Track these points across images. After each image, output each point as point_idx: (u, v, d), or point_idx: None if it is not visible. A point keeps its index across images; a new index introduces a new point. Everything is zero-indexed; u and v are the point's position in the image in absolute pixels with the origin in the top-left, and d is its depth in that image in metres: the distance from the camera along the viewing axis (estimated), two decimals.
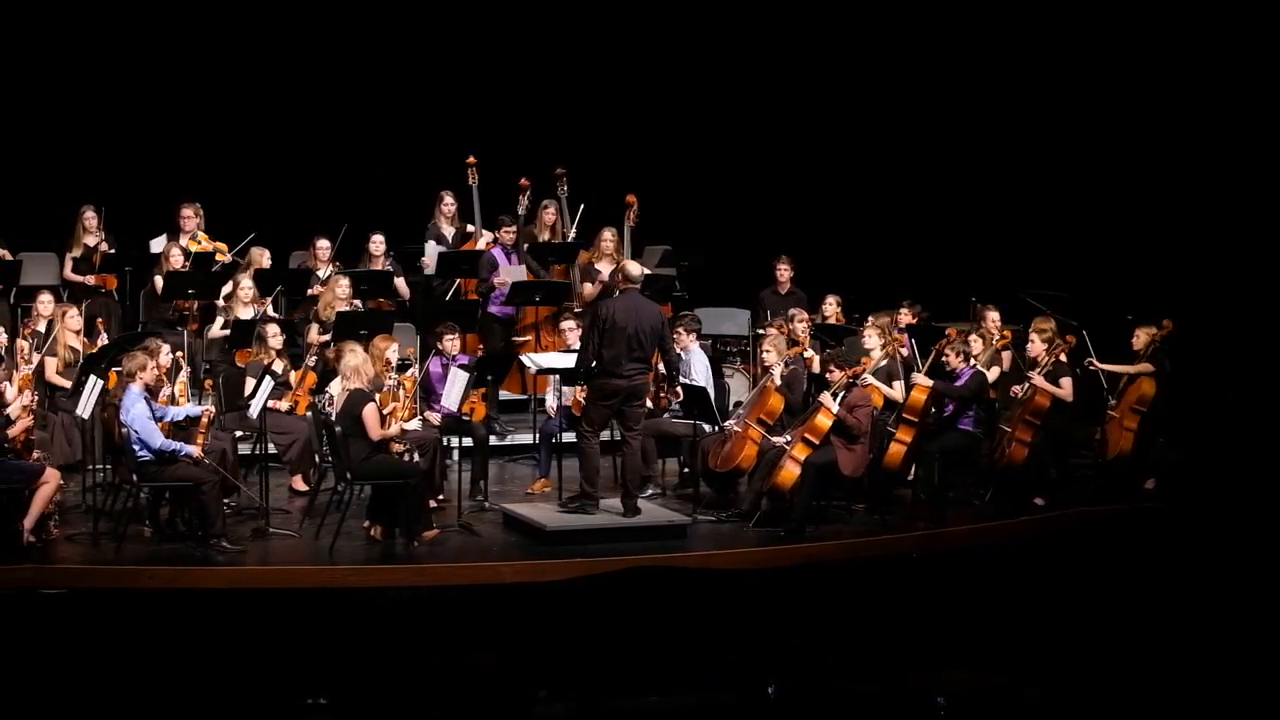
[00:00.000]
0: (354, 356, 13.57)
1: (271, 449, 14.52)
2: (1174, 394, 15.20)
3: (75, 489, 14.18)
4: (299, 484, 14.88)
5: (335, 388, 13.85)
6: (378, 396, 13.42)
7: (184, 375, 14.11)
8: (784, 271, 16.98)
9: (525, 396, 16.34)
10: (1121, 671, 11.95)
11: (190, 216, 16.79)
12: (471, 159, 17.10)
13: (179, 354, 14.40)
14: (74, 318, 14.96)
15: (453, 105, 18.87)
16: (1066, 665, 12.07)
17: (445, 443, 14.70)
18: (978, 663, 12.19)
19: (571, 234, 17.20)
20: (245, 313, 15.56)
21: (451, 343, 14.79)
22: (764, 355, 14.49)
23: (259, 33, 18.62)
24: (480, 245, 16.86)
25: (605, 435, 14.17)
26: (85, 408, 13.40)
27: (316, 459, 14.52)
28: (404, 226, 17.18)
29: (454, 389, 13.96)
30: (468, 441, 14.84)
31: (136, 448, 13.04)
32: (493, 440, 15.26)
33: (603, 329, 13.52)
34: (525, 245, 16.76)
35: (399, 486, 13.34)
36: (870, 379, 14.37)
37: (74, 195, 17.05)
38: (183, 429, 13.40)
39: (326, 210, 17.26)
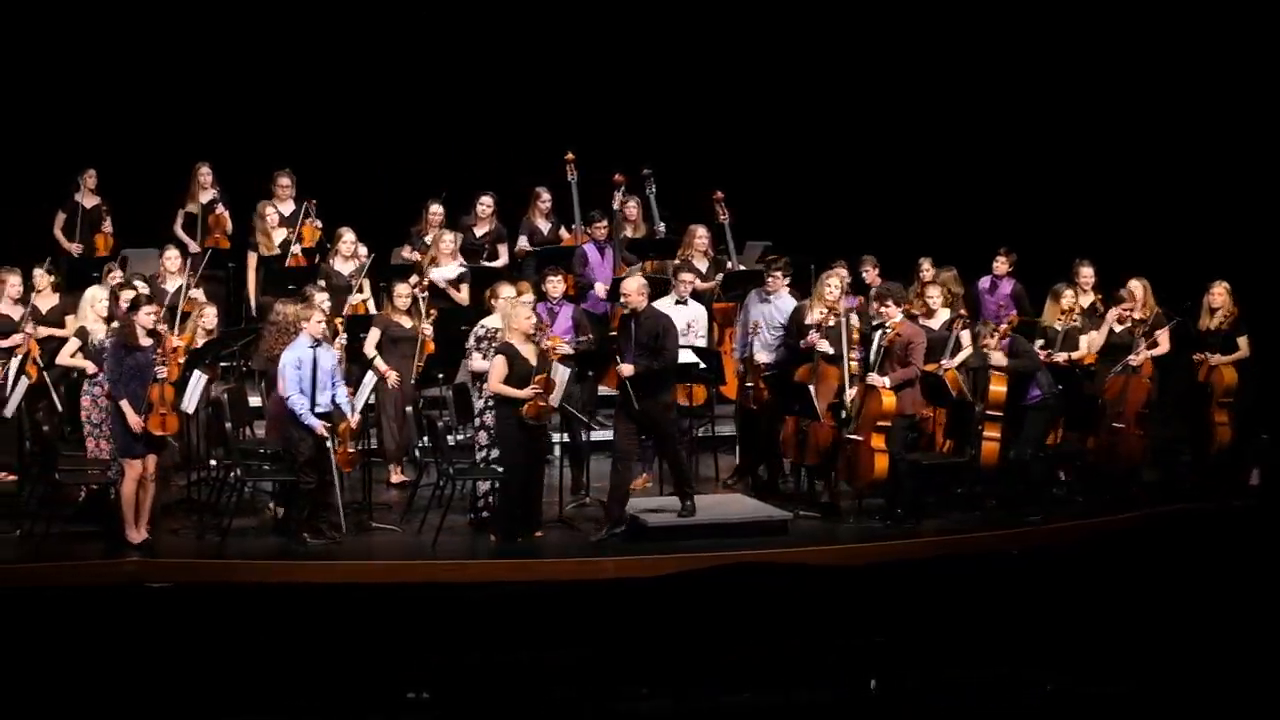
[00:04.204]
0: (505, 304, 13.86)
1: (373, 444, 14.60)
2: (1262, 383, 15.16)
3: (181, 483, 14.31)
4: (396, 475, 14.98)
5: (476, 365, 13.97)
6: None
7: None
8: (870, 272, 16.71)
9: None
10: (1211, 671, 11.92)
11: (286, 185, 16.94)
12: (570, 155, 17.15)
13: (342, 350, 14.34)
14: (209, 316, 14.93)
15: (547, 102, 18.93)
16: (1160, 664, 12.04)
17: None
18: (1071, 660, 12.16)
19: (661, 230, 17.19)
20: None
21: (554, 285, 14.80)
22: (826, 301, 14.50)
23: (359, 19, 18.86)
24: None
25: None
26: (190, 403, 13.50)
27: (417, 454, 14.57)
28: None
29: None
30: (567, 437, 14.88)
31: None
32: (595, 435, 15.27)
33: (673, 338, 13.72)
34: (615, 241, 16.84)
35: (498, 483, 13.45)
36: (948, 364, 14.34)
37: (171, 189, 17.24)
38: (326, 421, 13.35)
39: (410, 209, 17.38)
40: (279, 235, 16.58)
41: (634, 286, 13.72)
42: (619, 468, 13.72)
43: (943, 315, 14.78)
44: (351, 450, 13.44)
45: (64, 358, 14.10)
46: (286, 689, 11.91)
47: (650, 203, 17.22)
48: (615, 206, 17.01)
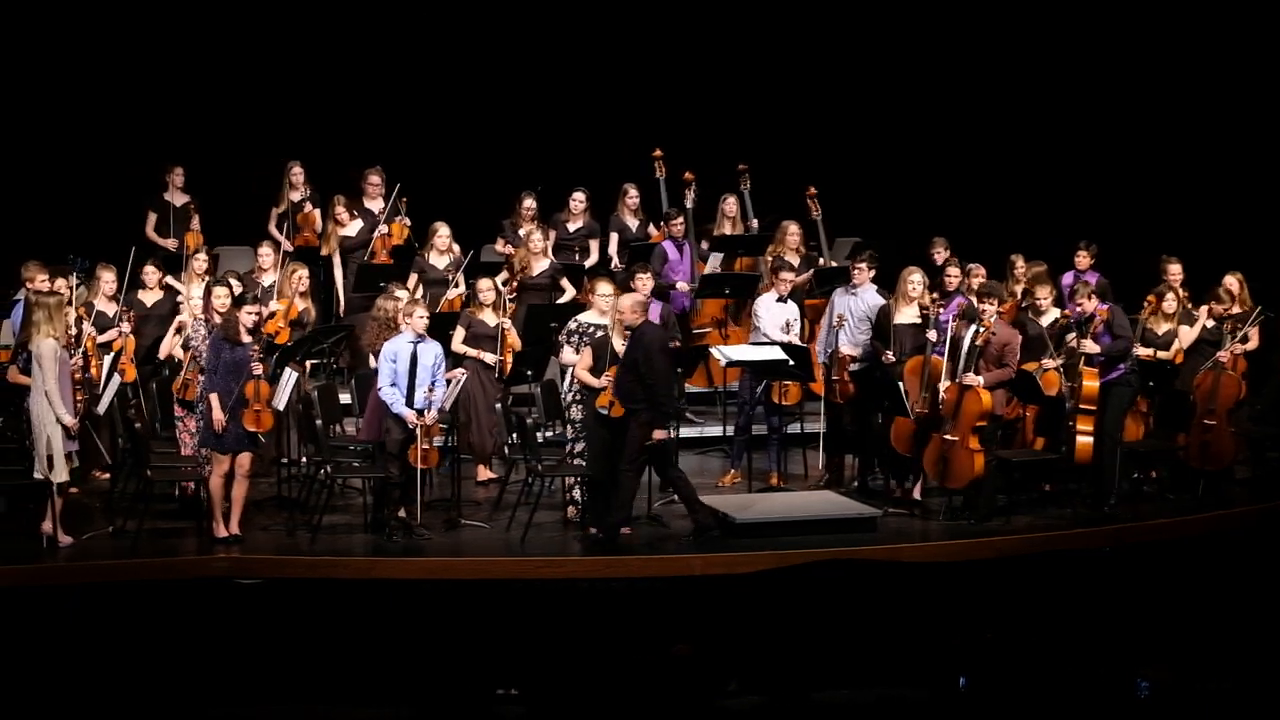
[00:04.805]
0: (607, 297, 13.98)
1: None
2: None
3: (271, 480, 14.40)
4: (484, 473, 15.02)
5: (566, 357, 14.01)
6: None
7: None
8: (941, 254, 16.51)
9: (711, 389, 16.32)
10: None
11: (376, 184, 16.95)
12: (658, 151, 17.15)
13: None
14: (303, 279, 15.08)
15: (639, 99, 18.93)
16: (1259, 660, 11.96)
17: None
18: (1172, 657, 12.07)
19: (754, 226, 17.15)
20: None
21: (643, 282, 14.52)
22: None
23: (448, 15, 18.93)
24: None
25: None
26: (281, 399, 13.54)
27: (506, 451, 14.59)
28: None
29: None
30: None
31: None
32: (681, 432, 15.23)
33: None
34: (701, 238, 16.82)
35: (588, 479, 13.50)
36: (1049, 364, 14.22)
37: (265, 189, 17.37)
38: (418, 412, 13.39)
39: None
40: (352, 229, 16.62)
41: (628, 303, 13.50)
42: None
43: (1052, 314, 14.62)
44: (425, 446, 13.44)
45: (164, 349, 14.45)
46: (373, 683, 12.00)
47: (745, 199, 17.20)
48: (688, 204, 16.97)
